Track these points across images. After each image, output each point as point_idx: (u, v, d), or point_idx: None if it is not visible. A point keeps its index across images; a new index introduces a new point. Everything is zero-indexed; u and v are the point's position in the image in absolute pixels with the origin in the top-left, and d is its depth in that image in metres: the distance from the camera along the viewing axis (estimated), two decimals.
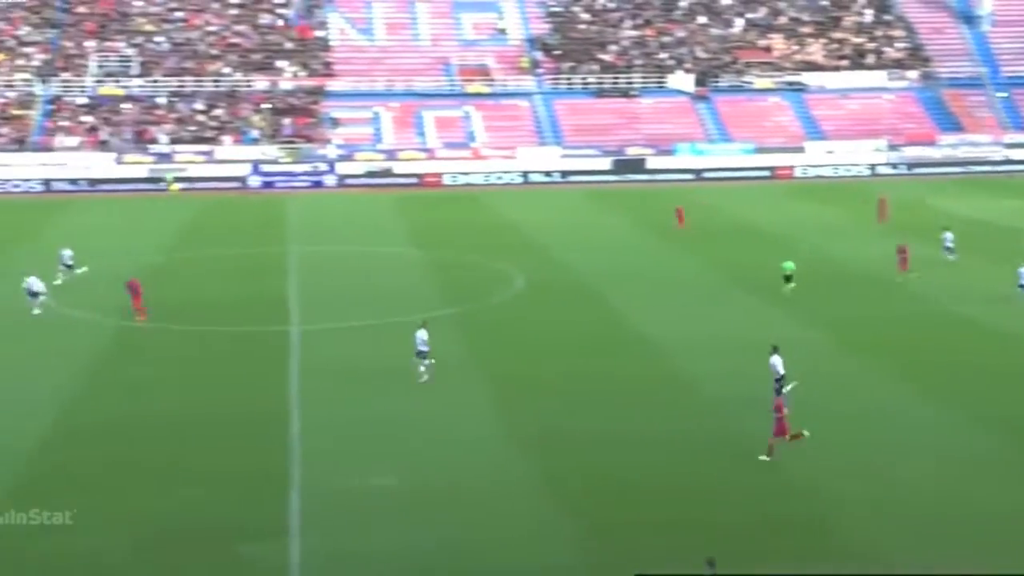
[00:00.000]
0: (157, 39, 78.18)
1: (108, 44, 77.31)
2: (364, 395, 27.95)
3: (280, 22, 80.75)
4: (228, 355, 31.83)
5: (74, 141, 70.35)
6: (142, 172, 68.23)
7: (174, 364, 30.76)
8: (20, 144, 69.74)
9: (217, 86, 75.24)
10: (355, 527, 20.59)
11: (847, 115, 77.97)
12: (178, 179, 67.37)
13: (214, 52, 77.88)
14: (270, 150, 71.17)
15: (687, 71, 79.60)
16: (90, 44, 77.13)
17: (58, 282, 39.79)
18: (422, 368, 28.63)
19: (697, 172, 72.46)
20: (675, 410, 26.94)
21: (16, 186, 66.37)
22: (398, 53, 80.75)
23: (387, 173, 70.44)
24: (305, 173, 69.80)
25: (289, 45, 79.00)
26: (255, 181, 68.87)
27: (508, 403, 27.47)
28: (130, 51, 76.91)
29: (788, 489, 22.34)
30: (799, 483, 22.64)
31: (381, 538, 20.16)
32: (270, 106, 74.10)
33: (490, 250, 47.62)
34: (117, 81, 74.74)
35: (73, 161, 68.56)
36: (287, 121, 73.31)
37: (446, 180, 70.63)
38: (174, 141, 70.99)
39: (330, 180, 69.75)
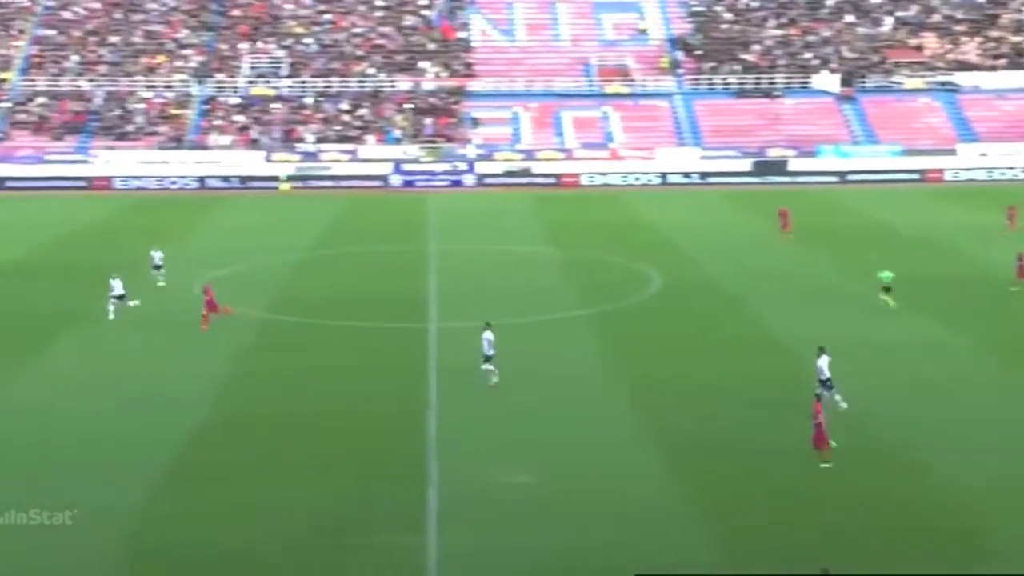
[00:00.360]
0: (306, 41, 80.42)
1: (260, 46, 79.91)
2: (501, 393, 28.06)
3: (423, 23, 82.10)
4: (368, 350, 32.40)
5: (226, 140, 72.98)
6: (289, 170, 70.28)
7: (316, 358, 31.46)
8: (177, 142, 72.72)
9: (362, 86, 76.93)
10: (492, 524, 20.69)
11: (1003, 116, 74.68)
12: (311, 177, 69.07)
13: (359, 53, 79.67)
14: (411, 149, 72.41)
15: (832, 71, 77.56)
16: (243, 46, 79.85)
17: (161, 283, 39.70)
18: (491, 369, 28.05)
19: (841, 175, 70.54)
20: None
21: (173, 183, 69.26)
22: (538, 53, 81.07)
23: (525, 173, 70.80)
24: (445, 172, 70.75)
25: (432, 46, 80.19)
26: (396, 180, 70.15)
27: (646, 405, 27.21)
28: (280, 53, 79.34)
29: (936, 496, 21.53)
30: (947, 491, 21.79)
31: (517, 536, 20.21)
32: (412, 106, 75.36)
33: (627, 250, 47.37)
34: (268, 82, 77.20)
35: (225, 159, 71.15)
36: (428, 121, 74.44)
37: (583, 180, 70.57)
38: (320, 140, 72.91)
39: (469, 179, 70.51)
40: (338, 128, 74.23)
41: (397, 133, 73.86)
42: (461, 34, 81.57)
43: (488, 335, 28.32)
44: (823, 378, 26.18)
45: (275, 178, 69.32)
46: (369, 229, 54.96)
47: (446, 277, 42.69)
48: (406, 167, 70.76)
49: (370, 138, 73.36)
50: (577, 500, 21.71)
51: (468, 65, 79.13)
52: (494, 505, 21.45)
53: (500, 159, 71.91)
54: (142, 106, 74.95)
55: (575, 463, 23.55)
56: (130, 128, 73.50)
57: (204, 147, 72.31)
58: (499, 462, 23.53)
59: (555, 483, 22.47)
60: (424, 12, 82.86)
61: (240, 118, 74.63)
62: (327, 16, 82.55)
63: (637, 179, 70.84)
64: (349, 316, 36.01)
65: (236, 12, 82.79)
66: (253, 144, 72.67)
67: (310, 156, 71.37)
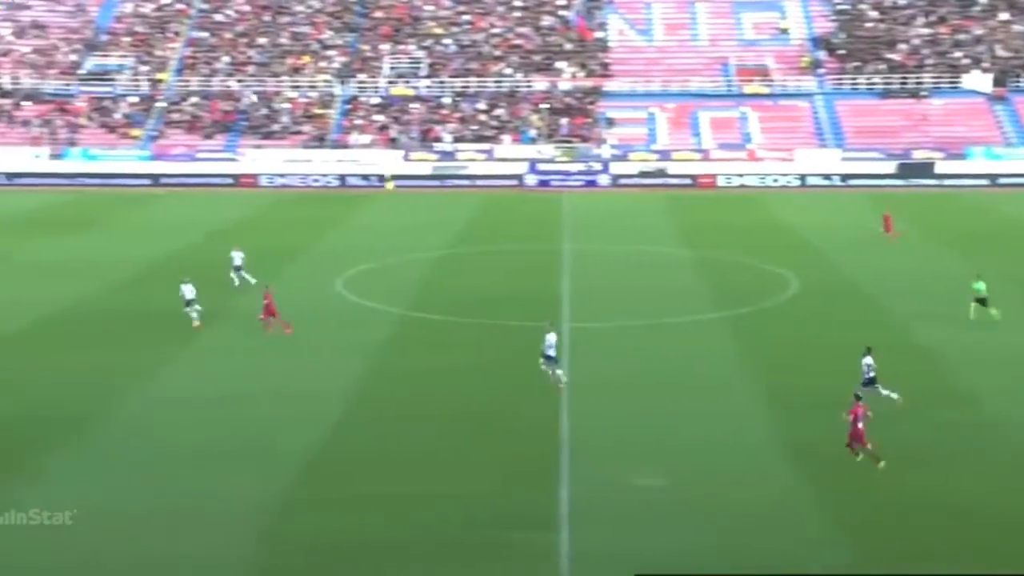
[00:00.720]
0: (445, 41, 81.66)
1: (400, 47, 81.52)
2: (634, 395, 28.08)
3: (561, 24, 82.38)
4: (503, 349, 32.77)
5: (366, 139, 74.71)
6: (426, 169, 71.57)
7: (453, 355, 31.98)
8: (320, 141, 74.82)
9: (499, 86, 77.69)
10: (623, 525, 20.76)
11: None
12: (448, 176, 70.20)
13: (497, 53, 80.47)
14: (547, 149, 72.79)
15: (984, 70, 74.66)
16: (384, 47, 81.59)
17: (238, 284, 39.21)
18: (558, 372, 28.18)
19: (992, 178, 67.96)
20: (956, 428, 25.43)
21: (316, 180, 71.29)
22: (675, 53, 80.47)
23: (660, 173, 70.41)
24: (580, 172, 70.92)
25: (569, 46, 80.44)
26: (531, 179, 70.65)
27: (782, 411, 26.82)
28: (420, 53, 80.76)
29: None
30: None
31: (649, 537, 20.23)
32: (548, 106, 75.75)
33: (764, 252, 46.69)
34: (407, 82, 78.70)
35: (364, 158, 72.85)
36: (564, 121, 74.72)
37: (720, 182, 69.78)
38: (457, 140, 73.96)
39: (604, 180, 70.52)
40: (475, 128, 75.16)
41: (533, 133, 74.36)
42: (598, 34, 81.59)
43: (551, 337, 28.46)
44: (866, 378, 26.13)
45: (416, 176, 70.67)
46: (504, 228, 55.54)
47: (579, 277, 42.84)
48: (541, 167, 71.19)
49: (506, 138, 74.05)
50: (709, 503, 21.61)
51: (605, 65, 79.10)
52: (626, 506, 21.52)
53: (635, 159, 71.70)
54: (287, 106, 77.32)
55: (708, 466, 23.41)
56: (276, 127, 75.92)
57: (345, 146, 74.19)
58: (631, 463, 23.55)
59: (687, 486, 22.40)
60: (562, 12, 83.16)
61: (380, 118, 76.28)
62: (466, 17, 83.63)
63: (775, 180, 69.66)
64: (485, 314, 36.47)
65: (378, 14, 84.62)
66: (392, 143, 74.20)
67: (447, 155, 72.49)
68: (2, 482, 22.16)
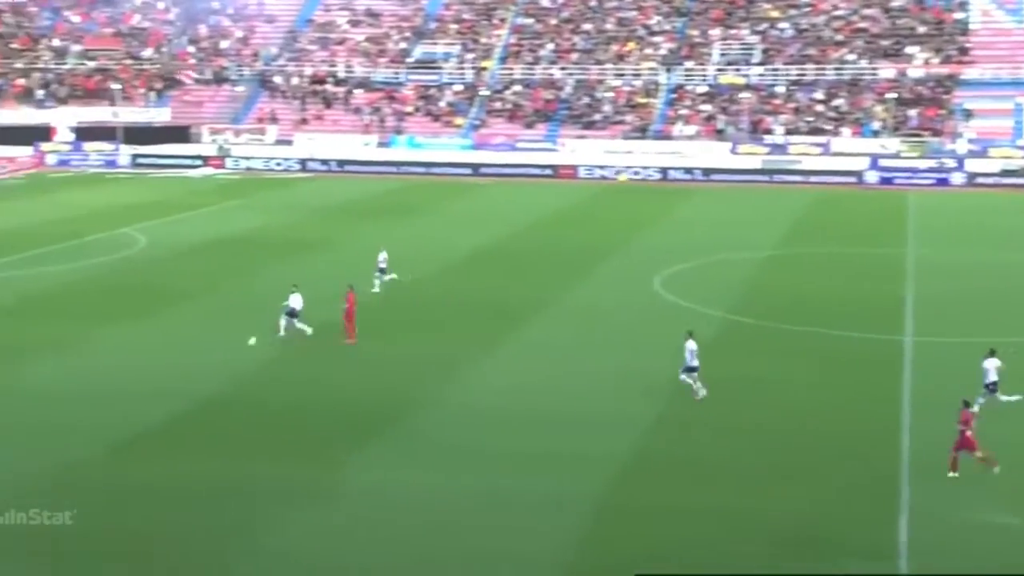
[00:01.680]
0: (781, 26, 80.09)
1: (732, 32, 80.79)
2: (983, 419, 26.35)
3: (914, 3, 78.61)
4: (832, 360, 31.75)
5: (691, 130, 74.63)
6: (755, 163, 70.48)
7: (777, 364, 31.34)
8: (643, 132, 75.55)
9: (839, 74, 75.25)
10: (969, 563, 19.59)
11: None
12: (779, 171, 68.69)
13: (839, 38, 77.98)
14: (891, 143, 69.74)
15: None
16: (714, 32, 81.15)
17: (375, 290, 38.15)
18: (695, 385, 27.47)
19: None
20: None
21: (636, 173, 72.01)
22: None
23: None
24: (929, 169, 67.42)
25: (922, 29, 76.66)
26: (872, 176, 67.86)
27: None
28: (753, 39, 79.68)
29: None
30: None
31: None
32: (895, 96, 72.51)
33: None
34: (737, 70, 77.87)
35: (688, 150, 72.72)
36: (913, 112, 71.34)
37: None
38: (789, 132, 72.40)
39: (957, 178, 66.59)
40: (810, 119, 73.27)
41: (876, 125, 71.52)
42: (958, 15, 77.20)
43: (691, 344, 27.66)
44: (988, 381, 25.86)
45: (744, 171, 69.83)
46: (840, 229, 53.78)
47: (926, 285, 40.76)
48: (884, 163, 68.28)
49: (845, 130, 71.74)
50: None
51: (963, 50, 74.75)
52: (974, 543, 20.29)
53: (996, 156, 67.31)
54: (610, 95, 78.66)
55: None
56: (597, 117, 77.46)
57: (668, 137, 74.46)
58: (980, 495, 22.15)
59: None
60: None
61: (706, 107, 75.99)
62: None
63: None
64: (812, 322, 35.50)
65: None
66: (718, 135, 73.69)
67: (778, 148, 71.09)
68: (311, 468, 23.82)
